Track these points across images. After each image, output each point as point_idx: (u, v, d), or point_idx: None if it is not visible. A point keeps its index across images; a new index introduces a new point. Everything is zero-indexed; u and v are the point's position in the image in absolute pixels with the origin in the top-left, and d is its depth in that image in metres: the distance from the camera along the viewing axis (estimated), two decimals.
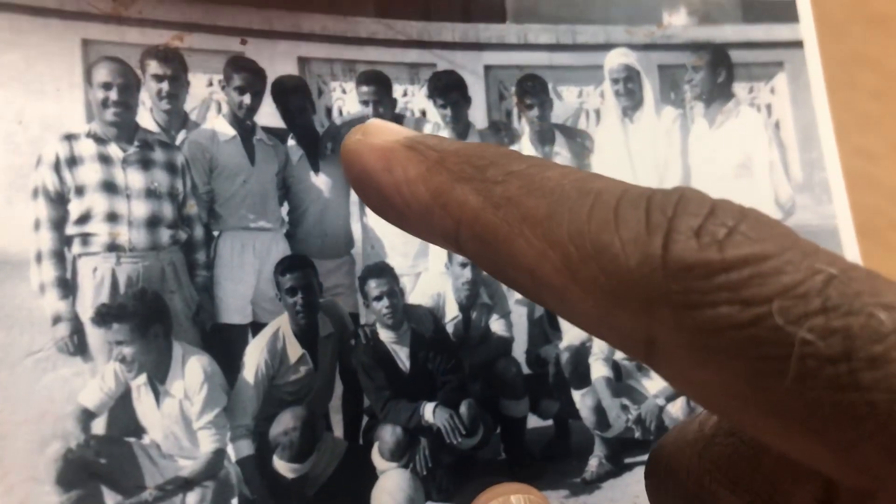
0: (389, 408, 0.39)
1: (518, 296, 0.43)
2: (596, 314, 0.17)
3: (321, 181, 0.39)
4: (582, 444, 0.42)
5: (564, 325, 0.43)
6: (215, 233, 0.37)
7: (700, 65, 0.47)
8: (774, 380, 0.14)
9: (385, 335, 0.40)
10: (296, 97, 0.39)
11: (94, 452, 0.33)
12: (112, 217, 0.34)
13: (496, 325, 0.42)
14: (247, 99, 0.38)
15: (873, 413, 0.13)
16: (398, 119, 0.42)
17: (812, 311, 0.14)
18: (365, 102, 0.40)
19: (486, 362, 0.41)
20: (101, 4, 0.35)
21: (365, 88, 0.40)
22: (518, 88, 0.44)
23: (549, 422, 0.42)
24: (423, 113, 0.42)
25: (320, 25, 0.40)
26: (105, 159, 0.35)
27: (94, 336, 0.33)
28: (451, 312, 0.42)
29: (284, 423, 0.36)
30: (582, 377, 0.43)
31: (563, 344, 0.43)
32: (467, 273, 0.42)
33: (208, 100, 0.37)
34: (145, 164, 0.35)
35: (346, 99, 0.40)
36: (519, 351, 0.42)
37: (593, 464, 0.42)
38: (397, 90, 0.41)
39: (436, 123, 0.43)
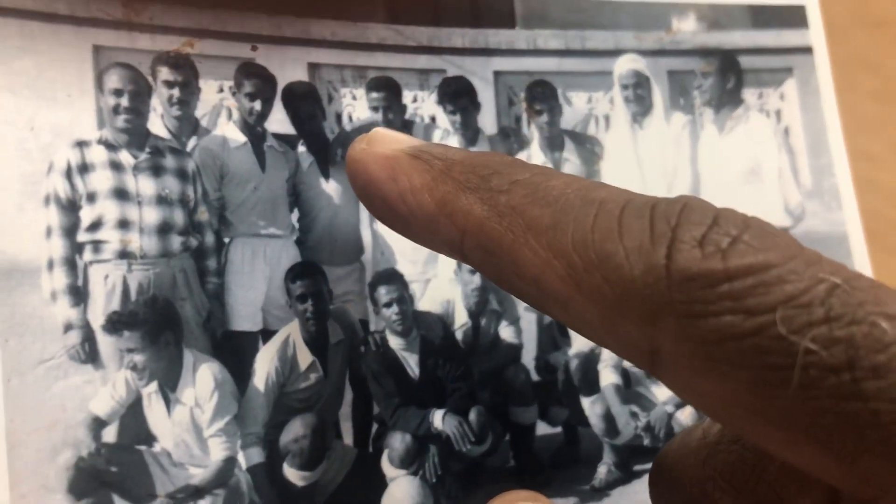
0: (399, 415, 0.39)
1: None
2: (600, 324, 0.17)
3: (331, 188, 0.39)
4: (591, 451, 0.42)
5: (573, 331, 0.43)
6: (226, 240, 0.37)
7: (709, 71, 0.47)
8: (778, 389, 0.14)
9: (395, 342, 0.40)
10: (306, 103, 0.39)
11: (106, 461, 0.32)
12: (123, 224, 0.34)
13: (505, 332, 0.42)
14: (257, 105, 0.37)
15: (876, 422, 0.13)
16: (408, 125, 0.42)
17: (815, 321, 0.14)
18: (375, 108, 0.40)
19: (496, 369, 0.41)
20: (113, 10, 0.35)
21: (375, 94, 0.40)
22: (527, 94, 0.44)
23: (559, 429, 0.42)
24: (433, 119, 0.42)
25: (330, 31, 0.40)
26: (116, 166, 0.34)
27: (106, 344, 0.33)
28: (461, 319, 0.42)
29: (294, 430, 0.36)
30: (591, 384, 0.43)
31: (573, 351, 0.43)
32: (476, 280, 0.42)
33: (219, 106, 0.37)
34: (156, 170, 0.35)
35: (356, 105, 0.40)
36: (528, 358, 0.42)
37: (602, 471, 0.42)
38: (407, 96, 0.41)
39: (445, 129, 0.42)
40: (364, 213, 0.40)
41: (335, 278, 0.38)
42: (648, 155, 0.46)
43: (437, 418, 0.39)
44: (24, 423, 0.31)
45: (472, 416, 0.40)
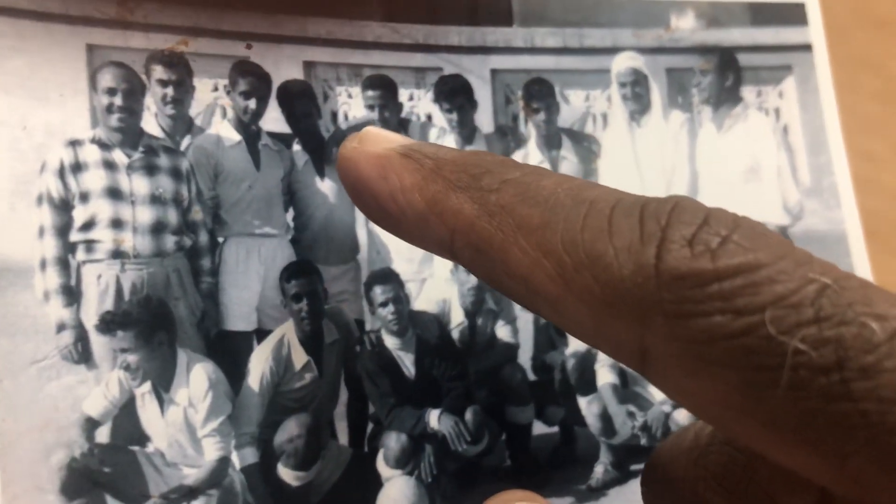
0: (394, 415, 0.39)
1: None
2: (590, 323, 0.17)
3: (326, 186, 0.39)
4: (587, 450, 0.42)
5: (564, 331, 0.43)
6: (220, 239, 0.36)
7: (708, 68, 0.47)
8: (767, 390, 0.14)
9: (390, 342, 0.39)
10: (301, 102, 0.39)
11: (99, 461, 0.32)
12: (116, 223, 0.34)
13: (502, 332, 0.42)
14: (252, 104, 0.37)
15: (865, 423, 0.13)
16: (404, 123, 0.41)
17: (805, 321, 0.14)
18: (371, 107, 0.40)
19: (492, 368, 0.41)
20: (106, 9, 0.35)
21: (371, 93, 0.40)
22: (524, 92, 0.44)
23: (555, 428, 0.42)
24: (429, 117, 0.42)
25: (326, 30, 0.39)
26: (110, 165, 0.34)
27: (99, 344, 0.33)
28: (457, 318, 0.41)
29: (289, 430, 0.36)
30: (588, 384, 0.43)
31: (569, 350, 0.42)
32: (473, 279, 0.41)
33: (213, 105, 0.37)
34: (150, 169, 0.35)
35: (351, 103, 0.40)
36: (524, 357, 0.42)
37: (599, 471, 0.42)
38: (403, 94, 0.41)
39: (441, 128, 0.42)
40: (360, 213, 0.39)
41: (330, 278, 0.38)
42: (646, 153, 0.46)
43: (433, 418, 0.39)
44: (16, 423, 0.31)
45: (469, 415, 0.40)
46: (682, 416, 0.43)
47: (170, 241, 0.35)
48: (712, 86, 0.47)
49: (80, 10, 0.35)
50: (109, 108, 0.35)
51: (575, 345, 0.43)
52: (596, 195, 0.17)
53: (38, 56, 0.33)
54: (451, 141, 0.42)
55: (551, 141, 0.44)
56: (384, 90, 0.40)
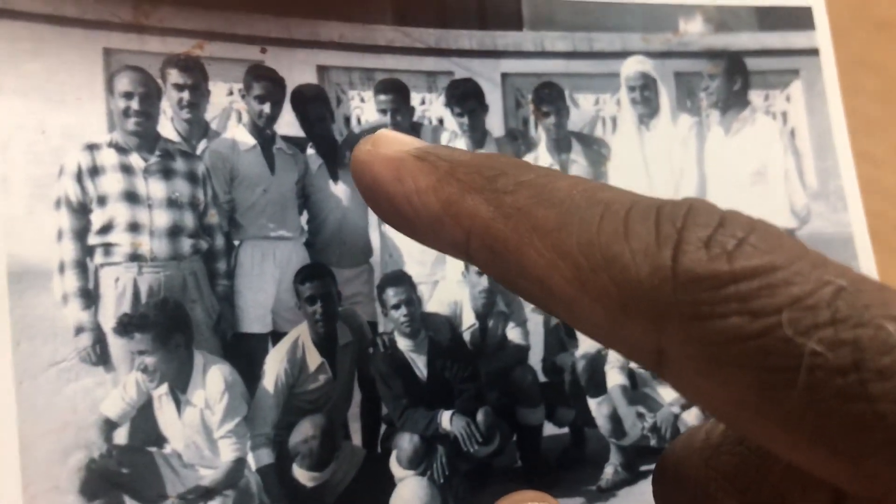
0: (407, 416, 0.39)
1: None
2: (606, 324, 0.17)
3: (340, 190, 0.39)
4: (597, 451, 0.43)
5: (580, 333, 0.43)
6: (236, 242, 0.37)
7: (716, 72, 0.47)
8: (784, 391, 0.14)
9: (403, 343, 0.40)
10: (315, 106, 0.39)
11: (117, 462, 0.33)
12: (134, 227, 0.34)
13: (512, 334, 0.42)
14: (267, 108, 0.38)
15: (882, 424, 0.13)
16: (416, 127, 0.42)
17: (821, 323, 0.14)
18: (383, 111, 0.40)
19: (503, 370, 0.42)
20: (123, 13, 0.35)
21: (383, 97, 0.40)
22: (535, 96, 0.44)
23: (565, 430, 0.43)
24: (441, 121, 0.42)
25: (338, 34, 0.40)
26: (127, 169, 0.35)
27: (116, 346, 0.33)
28: (468, 321, 0.42)
29: (304, 431, 0.36)
30: (598, 385, 0.43)
31: (579, 352, 0.43)
32: (484, 281, 0.42)
33: (228, 109, 0.37)
34: (167, 173, 0.35)
35: (364, 108, 0.40)
36: (535, 359, 0.42)
37: (609, 471, 0.42)
38: (415, 98, 0.42)
39: (453, 132, 0.43)
40: (373, 216, 0.40)
41: (344, 280, 0.38)
42: (655, 156, 0.46)
43: (445, 419, 0.39)
44: (35, 424, 0.31)
45: (480, 416, 0.40)
46: (691, 418, 0.43)
47: (186, 244, 0.35)
48: (720, 90, 0.47)
49: (97, 15, 0.35)
50: (126, 112, 0.35)
51: (585, 347, 0.43)
52: (611, 197, 0.17)
53: (55, 60, 0.34)
54: (462, 144, 0.42)
55: (561, 144, 0.45)
56: (396, 94, 0.41)
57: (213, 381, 0.35)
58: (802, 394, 0.14)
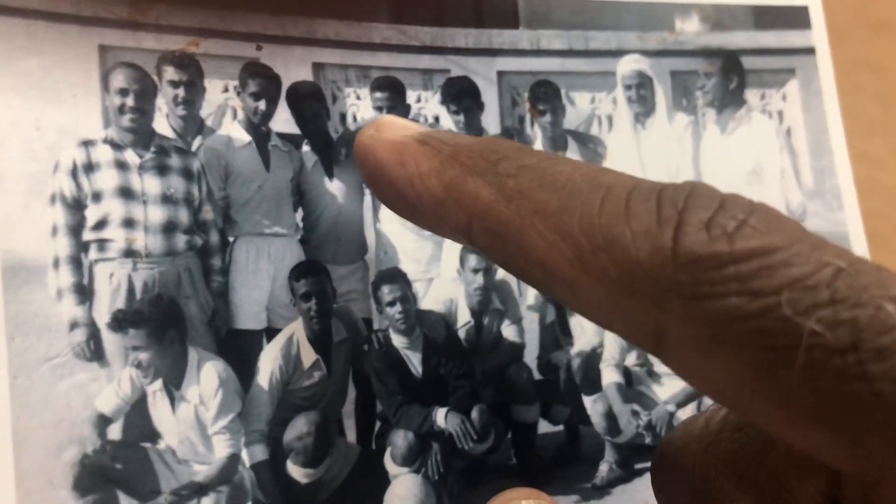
0: (402, 413, 0.39)
1: (530, 301, 0.43)
2: (606, 305, 0.17)
3: (335, 187, 0.39)
4: (592, 449, 0.43)
5: (576, 330, 0.43)
6: (230, 238, 0.37)
7: (712, 71, 0.47)
8: (782, 370, 0.14)
9: (398, 340, 0.40)
10: (310, 103, 0.39)
11: (111, 458, 0.33)
12: (128, 223, 0.34)
13: (508, 331, 0.42)
14: (262, 105, 0.38)
15: (880, 403, 0.13)
16: None
17: (820, 303, 0.14)
18: (379, 108, 0.41)
19: (498, 368, 0.42)
20: (118, 10, 0.35)
21: (379, 94, 0.41)
22: (531, 94, 0.44)
23: (560, 427, 0.43)
24: (437, 119, 0.42)
25: (334, 31, 0.40)
26: (122, 165, 0.35)
27: (111, 342, 0.33)
28: (463, 318, 0.42)
29: (298, 428, 0.37)
30: (593, 383, 0.43)
31: (574, 350, 0.43)
32: (479, 279, 0.42)
33: (224, 105, 0.37)
34: (161, 169, 0.35)
35: (360, 105, 0.40)
36: (530, 356, 0.42)
37: (603, 469, 0.42)
38: (411, 96, 0.42)
39: (448, 129, 0.43)
40: (368, 213, 0.40)
41: (339, 277, 0.38)
42: (651, 155, 0.46)
43: (440, 416, 0.39)
44: (29, 420, 0.31)
45: (475, 414, 0.40)
46: (686, 415, 0.43)
47: (181, 240, 0.35)
48: (716, 88, 0.47)
49: (92, 11, 0.35)
50: (121, 109, 0.35)
51: (580, 344, 0.43)
52: (612, 180, 0.18)
53: (50, 57, 0.34)
54: None
55: (557, 143, 0.45)
56: (392, 92, 0.41)
57: (208, 378, 0.35)
58: (801, 373, 0.14)
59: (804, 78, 0.49)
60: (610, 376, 0.43)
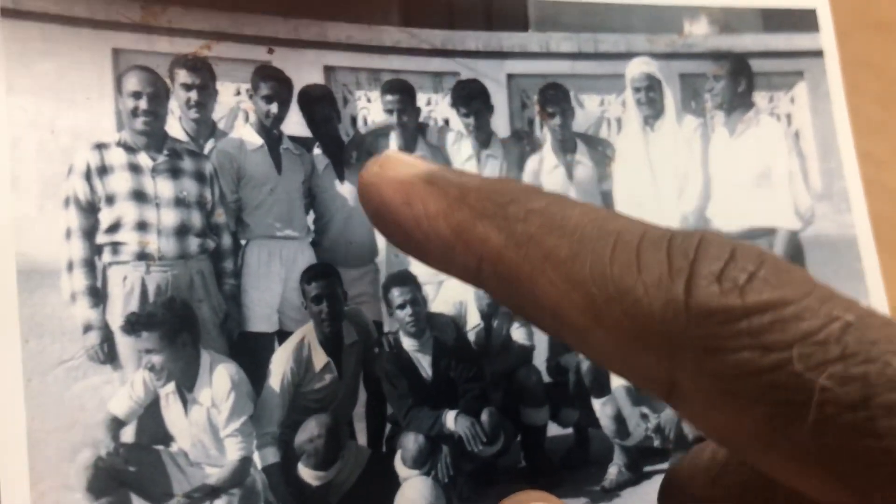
0: (412, 415, 0.39)
1: None
2: (618, 355, 0.17)
3: (346, 190, 0.39)
4: (601, 452, 0.43)
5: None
6: (243, 241, 0.37)
7: (721, 74, 0.47)
8: (794, 425, 0.14)
9: (408, 343, 0.40)
10: (322, 106, 0.39)
11: (124, 460, 0.33)
12: (142, 226, 0.34)
13: (517, 334, 0.43)
14: (274, 108, 0.38)
15: (889, 459, 0.14)
16: (422, 128, 0.42)
17: (831, 359, 0.14)
18: (389, 111, 0.41)
19: (507, 370, 0.42)
20: (132, 14, 0.35)
21: (389, 97, 0.41)
22: (540, 97, 0.44)
23: (569, 430, 0.43)
24: (447, 121, 0.42)
25: (345, 34, 0.40)
26: (135, 168, 0.35)
27: (124, 344, 0.33)
28: (473, 321, 0.42)
29: (309, 430, 0.37)
30: (602, 386, 0.43)
31: None
32: None
33: (236, 109, 0.37)
34: (174, 172, 0.35)
35: (370, 108, 0.41)
36: (539, 359, 0.42)
37: (612, 472, 0.42)
38: (421, 99, 0.42)
39: (458, 132, 0.43)
40: None
41: (350, 280, 0.39)
42: (660, 157, 0.46)
43: (450, 419, 0.40)
44: (44, 422, 0.31)
45: (484, 416, 0.40)
46: None
47: (194, 243, 0.35)
48: (725, 91, 0.47)
49: (106, 15, 0.35)
50: (135, 112, 0.35)
51: None
52: (622, 227, 0.17)
53: (65, 60, 0.34)
54: (467, 144, 0.43)
55: (566, 145, 0.45)
56: (403, 95, 0.41)
57: (220, 380, 0.35)
58: (812, 428, 0.14)
59: (812, 80, 0.49)
60: (619, 379, 0.43)
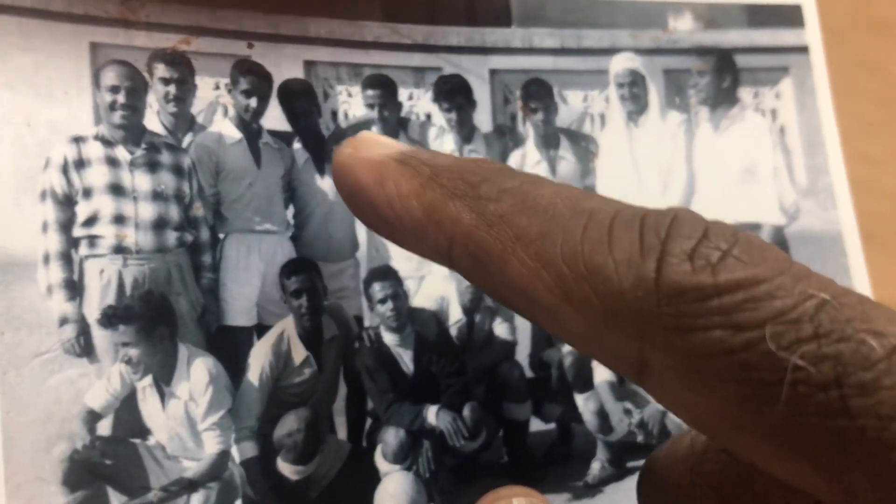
0: (393, 410, 0.39)
1: None
2: (588, 335, 0.17)
3: (326, 184, 0.39)
4: (584, 447, 0.43)
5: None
6: (221, 235, 0.37)
7: (705, 69, 0.47)
8: (766, 404, 0.14)
9: (389, 338, 0.40)
10: (302, 101, 0.39)
11: (100, 453, 0.33)
12: (119, 219, 0.34)
13: (499, 329, 0.42)
14: (253, 102, 0.38)
15: (862, 439, 0.13)
16: (403, 123, 0.42)
17: (804, 338, 0.14)
18: (370, 106, 0.41)
19: (490, 365, 0.42)
20: (110, 8, 0.35)
21: (370, 92, 0.41)
22: (523, 92, 0.44)
23: (552, 425, 0.43)
24: (429, 116, 0.42)
25: (326, 29, 0.40)
26: (112, 162, 0.35)
27: (101, 338, 0.33)
28: (455, 316, 0.42)
29: (288, 424, 0.37)
30: (585, 381, 0.43)
31: (566, 348, 0.43)
32: None
33: (215, 103, 0.38)
34: (152, 166, 0.35)
35: (351, 102, 0.41)
36: (522, 354, 0.42)
37: (595, 467, 0.42)
38: (403, 94, 0.42)
39: (441, 127, 0.43)
40: None
41: (330, 274, 0.39)
42: (644, 153, 0.46)
43: (431, 414, 0.39)
44: (19, 415, 0.31)
45: (466, 411, 0.40)
46: None
47: (171, 236, 0.35)
48: (709, 87, 0.47)
49: (84, 9, 0.35)
50: (112, 106, 0.35)
51: None
52: (595, 206, 0.17)
53: (42, 54, 0.34)
54: (450, 140, 0.43)
55: (549, 141, 0.45)
56: (384, 89, 0.41)
57: (198, 374, 0.35)
58: (785, 408, 0.14)
59: (798, 76, 0.49)
60: (602, 374, 0.43)
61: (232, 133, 0.38)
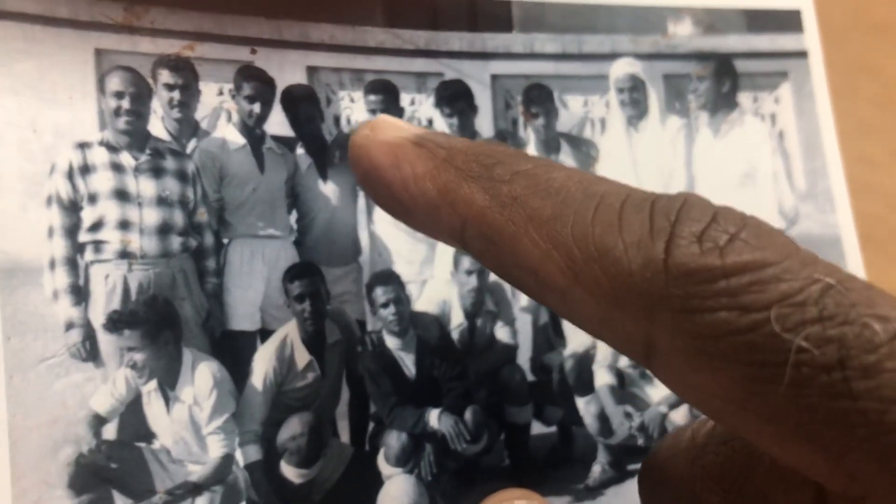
0: (395, 414, 0.39)
1: (523, 303, 0.43)
2: (597, 316, 0.17)
3: (329, 189, 0.39)
4: (585, 450, 0.43)
5: (569, 332, 0.43)
6: (225, 240, 0.37)
7: (705, 74, 0.48)
8: (770, 386, 0.14)
9: (391, 342, 0.40)
10: (305, 106, 0.39)
11: (106, 457, 0.33)
12: (124, 224, 0.35)
13: (501, 333, 0.43)
14: (256, 108, 0.38)
15: (865, 421, 0.14)
16: None
17: (809, 320, 0.14)
18: (373, 111, 0.41)
19: (491, 369, 0.42)
20: (114, 14, 0.35)
21: (373, 97, 0.41)
22: (524, 97, 0.45)
23: (553, 428, 0.43)
24: (430, 122, 0.43)
25: (329, 35, 0.40)
26: (117, 167, 0.35)
27: (106, 342, 0.34)
28: (457, 319, 0.42)
29: (292, 428, 0.37)
30: (586, 384, 0.43)
31: (567, 351, 0.43)
32: (473, 280, 0.42)
33: (219, 109, 0.38)
34: (157, 172, 0.36)
35: (353, 108, 0.41)
36: (523, 358, 0.43)
37: (596, 470, 0.43)
38: (405, 99, 0.42)
39: (443, 132, 0.43)
40: (362, 215, 0.40)
41: (333, 279, 0.39)
42: (644, 158, 0.46)
43: (433, 417, 0.40)
44: (25, 419, 0.31)
45: (468, 415, 0.40)
46: (678, 417, 0.44)
47: (176, 242, 0.36)
48: (709, 91, 0.48)
49: (89, 16, 0.35)
50: (117, 112, 0.35)
51: (573, 346, 0.43)
52: (606, 189, 0.18)
53: (47, 59, 0.34)
54: None
55: (550, 145, 0.45)
56: (386, 95, 0.41)
57: (202, 378, 0.35)
58: (788, 389, 0.14)
59: (797, 81, 0.49)
60: (603, 378, 0.43)
61: (236, 138, 0.38)
